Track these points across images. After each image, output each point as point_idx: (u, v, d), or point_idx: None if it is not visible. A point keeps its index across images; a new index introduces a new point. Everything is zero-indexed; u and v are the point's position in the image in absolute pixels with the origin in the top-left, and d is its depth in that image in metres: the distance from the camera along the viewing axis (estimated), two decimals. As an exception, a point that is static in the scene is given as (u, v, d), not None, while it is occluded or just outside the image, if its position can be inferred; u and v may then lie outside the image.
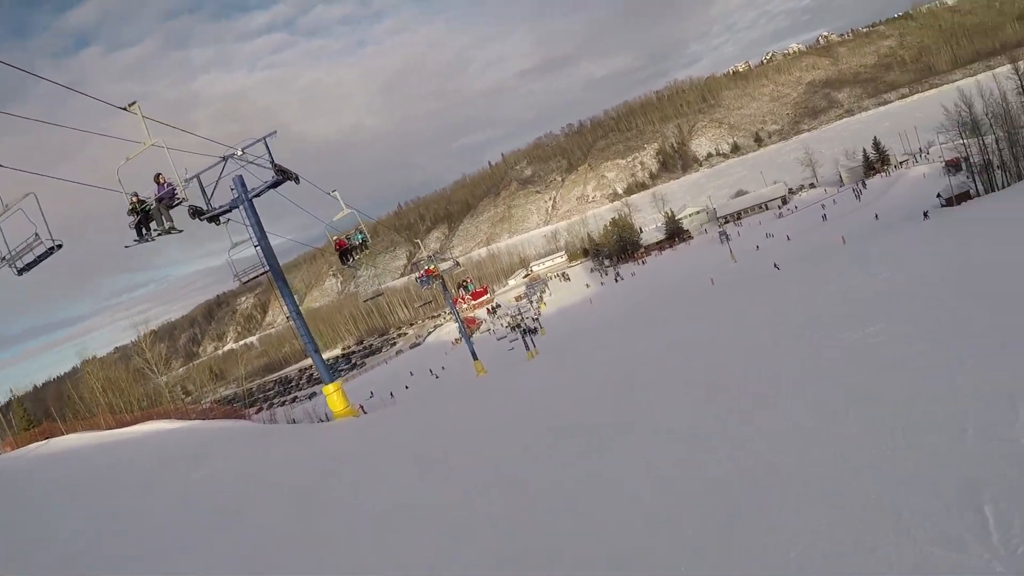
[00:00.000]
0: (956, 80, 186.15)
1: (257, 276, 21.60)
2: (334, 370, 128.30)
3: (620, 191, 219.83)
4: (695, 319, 22.98)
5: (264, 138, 20.43)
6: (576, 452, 8.31)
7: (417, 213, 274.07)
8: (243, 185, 20.78)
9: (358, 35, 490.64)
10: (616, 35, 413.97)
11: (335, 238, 23.74)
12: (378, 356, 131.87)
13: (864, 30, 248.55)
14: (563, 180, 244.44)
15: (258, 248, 20.90)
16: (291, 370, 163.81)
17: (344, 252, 23.76)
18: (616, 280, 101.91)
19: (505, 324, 68.18)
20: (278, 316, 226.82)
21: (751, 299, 24.65)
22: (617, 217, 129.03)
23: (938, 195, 55.62)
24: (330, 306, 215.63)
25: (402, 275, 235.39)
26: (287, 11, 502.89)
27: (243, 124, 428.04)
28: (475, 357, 42.78)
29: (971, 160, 52.22)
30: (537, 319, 73.35)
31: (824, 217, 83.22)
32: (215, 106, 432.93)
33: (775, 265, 43.70)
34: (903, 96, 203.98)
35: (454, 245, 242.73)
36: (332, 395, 22.30)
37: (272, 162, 20.40)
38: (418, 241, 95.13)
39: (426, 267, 42.59)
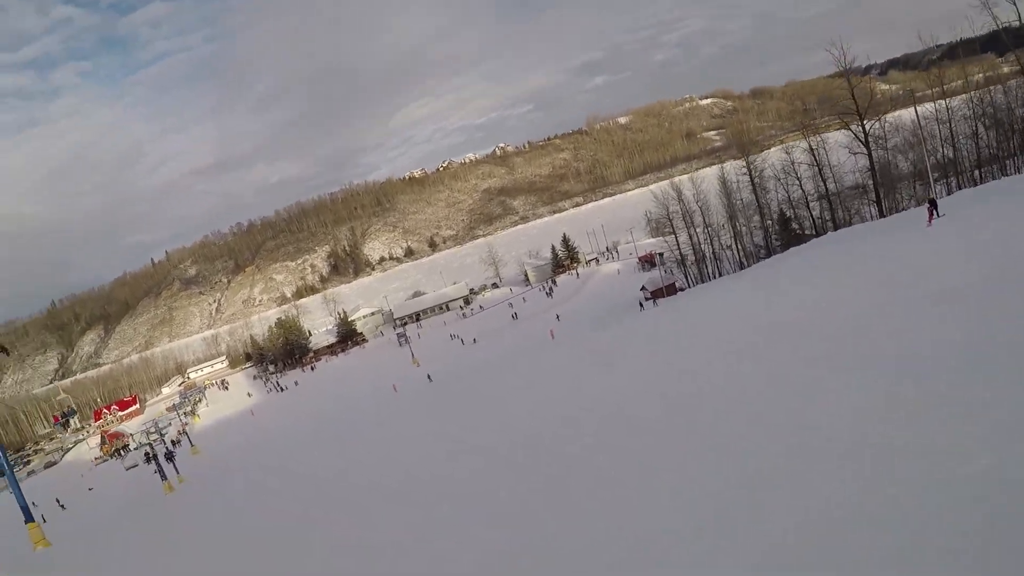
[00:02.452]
0: (628, 190, 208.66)
1: None
2: None
3: (289, 295, 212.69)
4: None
5: None
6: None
7: (72, 312, 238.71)
8: None
9: (32, 111, 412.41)
10: (294, 141, 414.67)
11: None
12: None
13: (540, 143, 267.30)
14: (229, 282, 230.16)
15: None
16: None
17: None
18: (277, 390, 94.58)
19: (136, 445, 55.95)
20: None
21: (444, 417, 24.83)
22: (283, 317, 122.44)
23: (642, 288, 57.61)
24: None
25: (52, 380, 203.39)
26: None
27: None
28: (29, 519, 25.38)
29: (682, 253, 56.38)
30: (182, 437, 64.41)
31: (515, 316, 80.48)
32: None
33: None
34: (577, 204, 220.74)
35: (110, 348, 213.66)
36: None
37: None
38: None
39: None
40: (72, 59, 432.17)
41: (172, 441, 50.77)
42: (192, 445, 61.69)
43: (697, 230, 57.12)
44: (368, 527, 11.90)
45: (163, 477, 41.47)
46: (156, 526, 22.12)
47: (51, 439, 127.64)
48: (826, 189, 49.70)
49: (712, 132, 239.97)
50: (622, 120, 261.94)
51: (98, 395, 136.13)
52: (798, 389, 10.10)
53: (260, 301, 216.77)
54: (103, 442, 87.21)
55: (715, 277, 53.91)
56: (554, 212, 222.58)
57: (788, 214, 53.11)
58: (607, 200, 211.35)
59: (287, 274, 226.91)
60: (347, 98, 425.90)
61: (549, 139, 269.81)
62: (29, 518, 24.42)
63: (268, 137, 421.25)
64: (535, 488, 10.57)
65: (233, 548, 12.67)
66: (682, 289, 54.13)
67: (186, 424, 76.44)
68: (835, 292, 17.45)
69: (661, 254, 72.85)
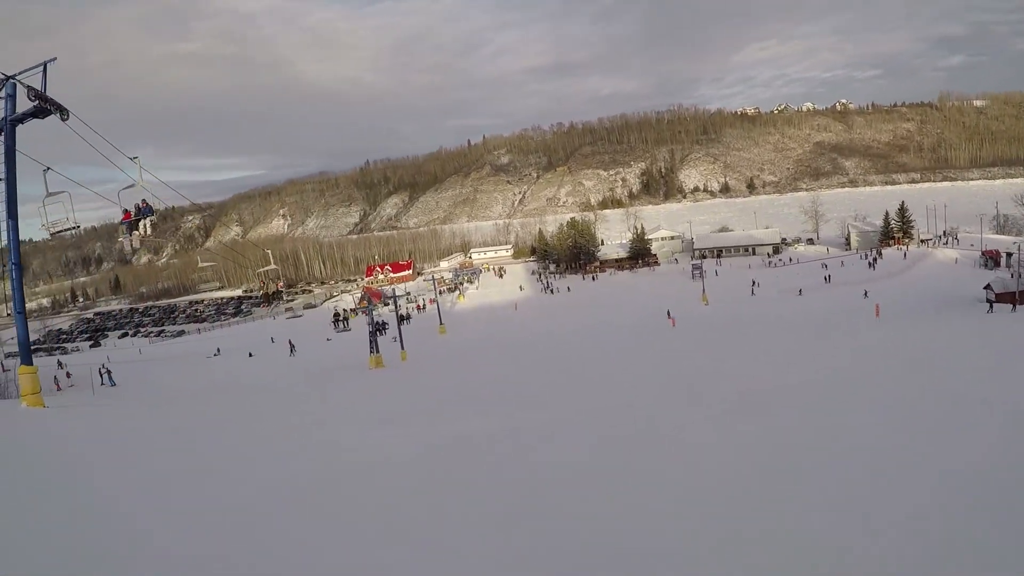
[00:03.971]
0: (972, 179, 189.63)
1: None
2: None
3: (594, 202, 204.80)
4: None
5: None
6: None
7: (383, 175, 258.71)
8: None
9: None
10: (631, 57, 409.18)
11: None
12: (267, 310, 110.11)
13: (885, 108, 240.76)
14: (538, 177, 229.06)
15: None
16: (182, 300, 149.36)
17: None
18: (547, 291, 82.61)
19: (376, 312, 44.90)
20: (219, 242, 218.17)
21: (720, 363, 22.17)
22: (578, 219, 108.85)
23: (987, 286, 44.02)
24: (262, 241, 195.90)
25: (351, 232, 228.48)
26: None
27: (242, 48, 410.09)
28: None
29: None
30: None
31: (827, 278, 66.98)
32: (216, 21, 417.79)
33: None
34: (913, 181, 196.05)
35: (410, 215, 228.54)
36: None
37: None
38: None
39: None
40: None
41: (402, 316, 38.47)
42: (441, 324, 54.51)
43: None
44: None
45: (373, 350, 34.73)
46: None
47: (322, 283, 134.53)
48: None
49: None
50: (977, 103, 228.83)
51: (378, 253, 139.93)
52: None
53: (564, 202, 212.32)
54: (363, 297, 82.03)
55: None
56: (886, 183, 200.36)
57: None
58: (946, 184, 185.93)
59: (597, 181, 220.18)
60: (689, 23, 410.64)
61: (895, 105, 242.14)
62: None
63: (605, 49, 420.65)
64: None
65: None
66: None
67: (433, 301, 69.79)
68: None
69: (1010, 253, 63.31)
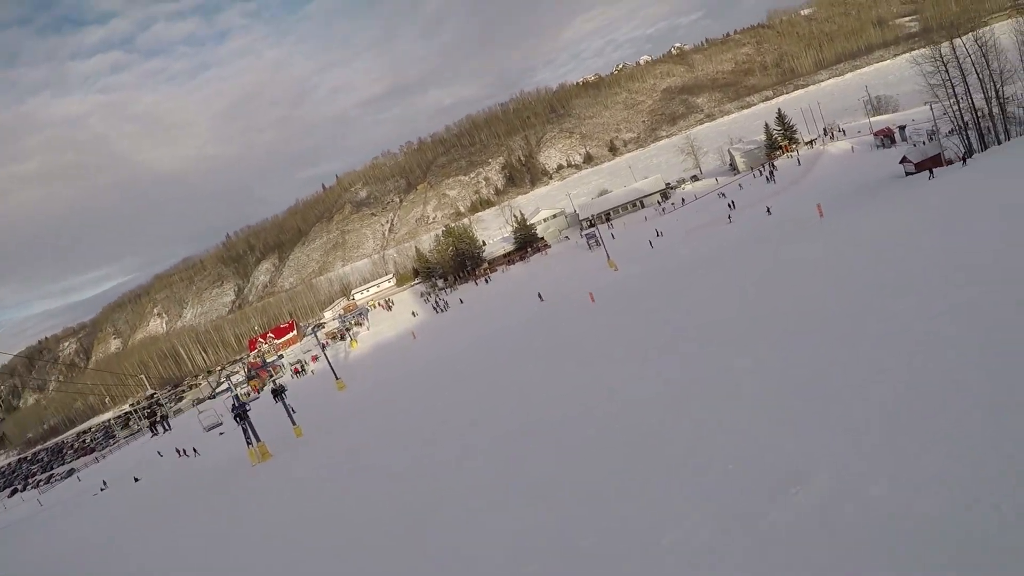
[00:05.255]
0: (822, 80, 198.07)
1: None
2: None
3: (463, 209, 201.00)
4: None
5: None
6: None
7: (247, 244, 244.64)
8: None
9: (202, 56, 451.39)
10: (465, 63, 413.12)
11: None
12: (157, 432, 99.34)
13: (719, 40, 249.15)
14: (401, 201, 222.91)
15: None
16: (70, 435, 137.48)
17: None
18: (436, 309, 78.22)
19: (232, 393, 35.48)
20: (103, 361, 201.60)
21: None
22: (452, 226, 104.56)
23: (902, 160, 45.06)
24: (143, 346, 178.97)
25: (230, 311, 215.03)
26: (126, 27, 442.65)
27: (79, 154, 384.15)
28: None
29: (962, 115, 44.20)
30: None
31: (732, 204, 65.28)
32: (48, 132, 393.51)
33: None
34: (767, 98, 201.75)
35: (285, 276, 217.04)
36: None
37: None
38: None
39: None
40: (237, 0, 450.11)
41: (276, 390, 32.76)
42: (337, 379, 49.74)
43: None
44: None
45: (247, 440, 29.00)
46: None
47: (209, 373, 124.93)
48: None
49: (906, 18, 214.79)
50: (805, 12, 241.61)
51: (257, 324, 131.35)
52: None
53: (434, 218, 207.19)
54: (250, 375, 74.16)
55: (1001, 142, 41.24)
56: (742, 108, 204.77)
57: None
58: (800, 92, 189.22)
59: (460, 189, 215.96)
60: (515, 13, 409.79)
61: (728, 35, 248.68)
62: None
63: (438, 61, 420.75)
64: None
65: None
66: (951, 162, 41.02)
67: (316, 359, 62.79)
68: None
69: (903, 127, 68.26)
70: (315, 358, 68.39)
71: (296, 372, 72.17)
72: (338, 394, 46.39)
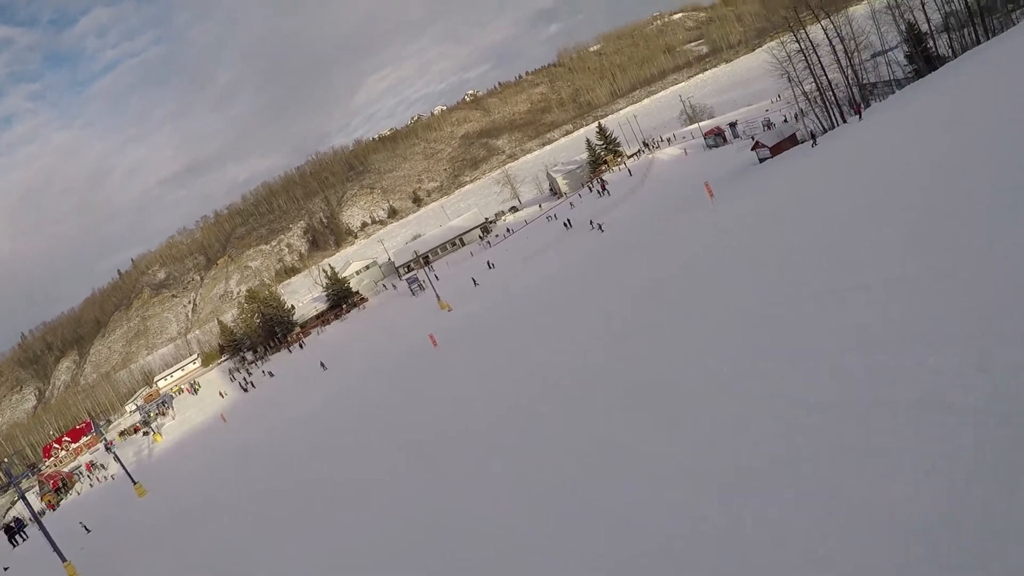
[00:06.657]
0: (620, 108, 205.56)
1: None
2: None
3: (268, 280, 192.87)
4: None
5: None
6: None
7: (44, 342, 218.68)
8: None
9: None
10: (260, 134, 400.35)
11: None
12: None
13: (512, 82, 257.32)
14: (202, 279, 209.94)
15: None
16: None
17: None
18: (243, 387, 73.37)
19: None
20: None
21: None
22: (256, 290, 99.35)
23: (756, 145, 47.57)
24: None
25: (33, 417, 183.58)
26: None
27: None
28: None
29: (808, 98, 48.59)
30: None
31: (568, 223, 64.15)
32: None
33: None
34: (567, 132, 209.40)
35: (87, 373, 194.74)
36: None
37: None
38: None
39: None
40: (20, 81, 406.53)
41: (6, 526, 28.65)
42: (135, 483, 43.71)
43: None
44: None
45: None
46: None
47: (4, 490, 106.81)
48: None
49: (692, 44, 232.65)
50: (593, 48, 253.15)
51: (52, 428, 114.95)
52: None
53: (238, 292, 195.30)
54: (43, 489, 64.75)
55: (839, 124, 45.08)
56: (544, 144, 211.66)
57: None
58: (600, 122, 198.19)
59: (263, 259, 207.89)
60: (306, 81, 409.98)
61: (520, 77, 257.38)
62: None
63: (234, 134, 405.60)
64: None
65: None
66: (803, 141, 44.78)
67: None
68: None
69: (733, 124, 71.69)
70: (85, 469, 61.28)
71: (90, 472, 64.15)
72: (138, 502, 41.36)
